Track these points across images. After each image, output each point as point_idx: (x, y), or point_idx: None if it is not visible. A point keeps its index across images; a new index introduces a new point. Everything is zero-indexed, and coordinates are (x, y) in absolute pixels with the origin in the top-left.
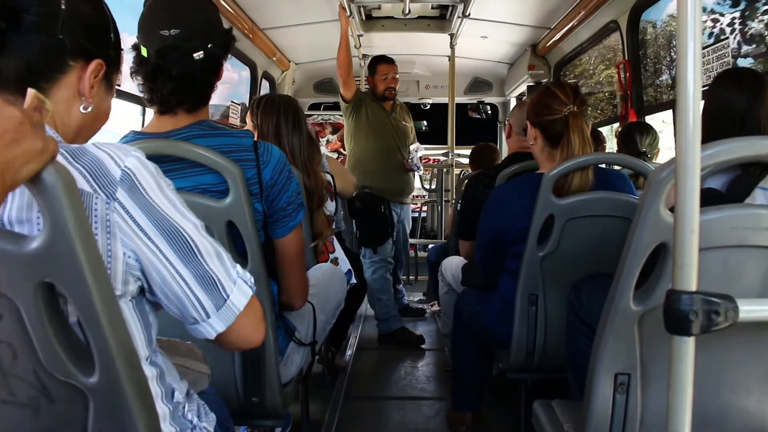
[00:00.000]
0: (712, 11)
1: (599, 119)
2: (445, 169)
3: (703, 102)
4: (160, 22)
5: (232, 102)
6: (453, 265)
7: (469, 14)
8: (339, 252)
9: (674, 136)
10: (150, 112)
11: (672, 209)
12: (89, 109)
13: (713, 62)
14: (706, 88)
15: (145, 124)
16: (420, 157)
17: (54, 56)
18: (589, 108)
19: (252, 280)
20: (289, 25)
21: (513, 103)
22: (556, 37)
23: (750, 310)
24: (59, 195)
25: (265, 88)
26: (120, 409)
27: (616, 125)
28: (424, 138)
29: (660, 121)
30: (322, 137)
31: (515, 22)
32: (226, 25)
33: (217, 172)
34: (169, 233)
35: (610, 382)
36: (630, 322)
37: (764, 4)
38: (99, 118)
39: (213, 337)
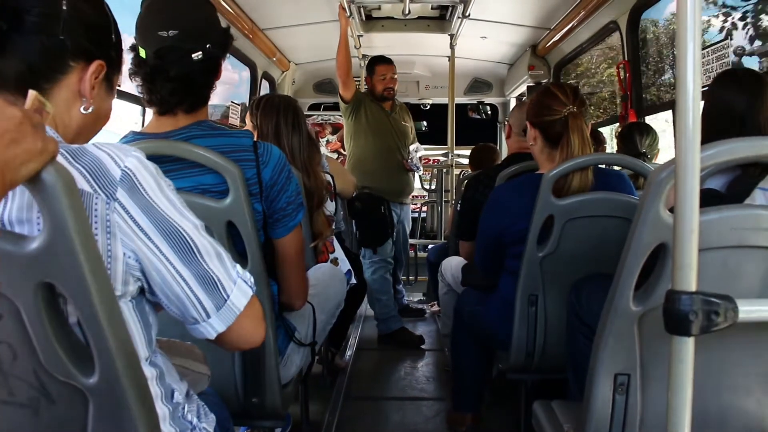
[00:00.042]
0: (724, 5)
1: (602, 119)
2: (444, 170)
3: (702, 102)
4: (157, 23)
5: (232, 102)
6: (453, 265)
7: (469, 15)
8: (339, 252)
9: (674, 136)
10: (150, 112)
11: (672, 209)
12: (90, 110)
13: (713, 63)
14: (706, 88)
15: (145, 125)
16: (420, 158)
17: (55, 57)
18: (592, 107)
19: (252, 280)
20: (289, 25)
21: (513, 103)
22: (556, 38)
23: (750, 310)
24: (59, 195)
25: (265, 89)
26: (120, 410)
27: (616, 126)
28: (424, 138)
29: (663, 121)
30: (322, 137)
31: (515, 23)
32: (224, 24)
33: (217, 172)
34: (169, 233)
35: (609, 382)
36: (630, 323)
37: None
38: (100, 118)
39: (213, 337)
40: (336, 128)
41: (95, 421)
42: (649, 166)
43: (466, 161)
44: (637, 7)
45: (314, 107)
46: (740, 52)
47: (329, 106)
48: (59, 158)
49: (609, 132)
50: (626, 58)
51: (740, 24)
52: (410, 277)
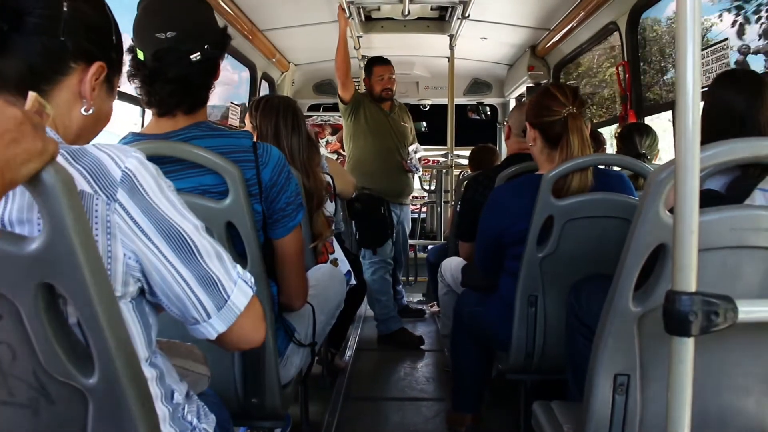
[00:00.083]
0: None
1: (604, 118)
2: (444, 170)
3: (702, 103)
4: (155, 24)
5: (231, 103)
6: (452, 266)
7: (469, 15)
8: (338, 253)
9: (674, 137)
10: (149, 113)
11: (671, 210)
12: (90, 111)
13: (712, 63)
14: (706, 89)
15: (144, 126)
16: (419, 158)
17: (55, 58)
18: (593, 107)
19: (252, 280)
20: (289, 26)
21: (512, 104)
22: (556, 38)
23: (749, 310)
24: (59, 196)
25: (264, 89)
26: (119, 410)
27: (616, 126)
28: (423, 139)
29: (666, 121)
30: (322, 138)
31: (515, 24)
32: (222, 24)
33: (217, 173)
34: (170, 234)
35: (609, 382)
36: (629, 323)
37: None
38: (100, 120)
39: (214, 338)
40: (335, 129)
41: (95, 421)
42: (649, 166)
43: (465, 162)
44: (636, 7)
45: (314, 108)
46: (745, 51)
47: (329, 107)
48: (59, 159)
49: (609, 133)
50: (626, 59)
51: (747, 21)
52: (410, 278)
